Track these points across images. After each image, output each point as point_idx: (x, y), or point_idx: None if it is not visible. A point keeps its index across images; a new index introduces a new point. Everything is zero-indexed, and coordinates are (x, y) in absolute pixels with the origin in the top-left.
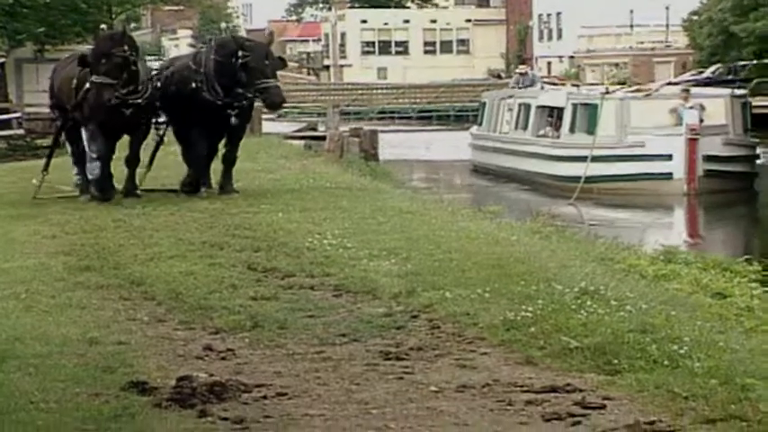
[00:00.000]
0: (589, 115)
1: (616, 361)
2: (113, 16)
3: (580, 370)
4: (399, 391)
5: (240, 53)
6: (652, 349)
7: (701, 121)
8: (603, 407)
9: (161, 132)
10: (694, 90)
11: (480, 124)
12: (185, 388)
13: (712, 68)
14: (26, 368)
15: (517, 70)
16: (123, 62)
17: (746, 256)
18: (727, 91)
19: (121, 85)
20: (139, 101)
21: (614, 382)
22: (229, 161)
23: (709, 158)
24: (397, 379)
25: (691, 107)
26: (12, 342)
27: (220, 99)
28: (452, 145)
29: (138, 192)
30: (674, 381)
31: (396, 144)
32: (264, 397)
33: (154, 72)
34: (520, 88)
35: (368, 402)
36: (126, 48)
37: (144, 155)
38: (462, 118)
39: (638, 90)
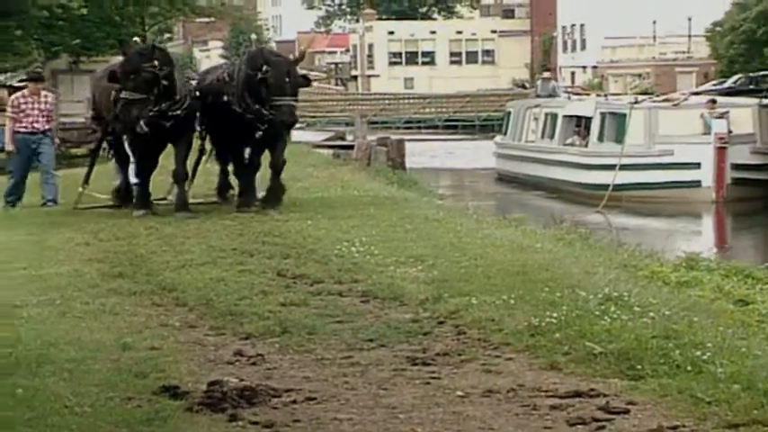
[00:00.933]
0: (618, 124)
1: (639, 366)
2: (146, 28)
3: (604, 375)
4: (426, 395)
5: (264, 68)
6: (675, 355)
7: (730, 131)
8: (627, 411)
9: (202, 142)
10: (721, 100)
11: (505, 133)
12: (216, 392)
13: (734, 78)
14: (61, 373)
15: (541, 77)
16: (153, 77)
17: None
18: (754, 101)
19: (154, 101)
20: (179, 112)
21: (638, 387)
22: (274, 169)
23: (737, 167)
24: (424, 384)
25: (719, 116)
26: (47, 347)
27: (250, 112)
28: (478, 154)
29: (191, 207)
30: (697, 386)
31: (422, 153)
32: (294, 401)
33: (192, 82)
34: (538, 95)
35: (395, 407)
36: (156, 62)
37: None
38: (487, 127)
39: (666, 99)
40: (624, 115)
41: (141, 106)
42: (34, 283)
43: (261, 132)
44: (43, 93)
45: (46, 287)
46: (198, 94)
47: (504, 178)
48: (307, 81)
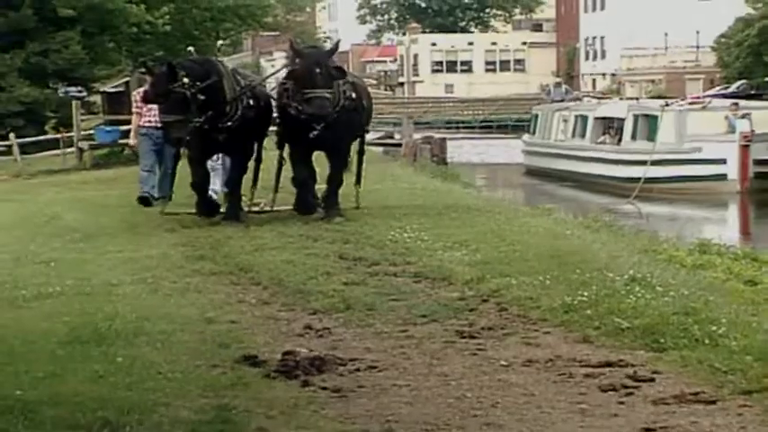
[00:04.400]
0: (650, 124)
1: (662, 340)
2: (220, 41)
3: (631, 347)
4: (474, 365)
5: (297, 60)
6: (694, 329)
7: (752, 130)
8: (653, 380)
9: (281, 150)
10: (743, 102)
11: (533, 133)
12: (290, 361)
13: (737, 84)
14: (154, 343)
15: (554, 82)
16: (182, 98)
17: None
18: None
19: (195, 116)
20: (229, 124)
21: (661, 358)
22: (332, 180)
23: (758, 162)
24: (472, 355)
25: (742, 117)
26: (141, 321)
27: (304, 112)
28: (509, 151)
29: (242, 217)
30: (714, 357)
31: (461, 149)
32: (357, 369)
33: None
34: (553, 100)
35: (447, 375)
36: (185, 80)
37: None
38: (519, 127)
39: (692, 103)
40: (656, 117)
41: (179, 126)
42: (128, 265)
43: (316, 132)
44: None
45: (139, 267)
46: (252, 101)
47: (532, 172)
48: (342, 73)
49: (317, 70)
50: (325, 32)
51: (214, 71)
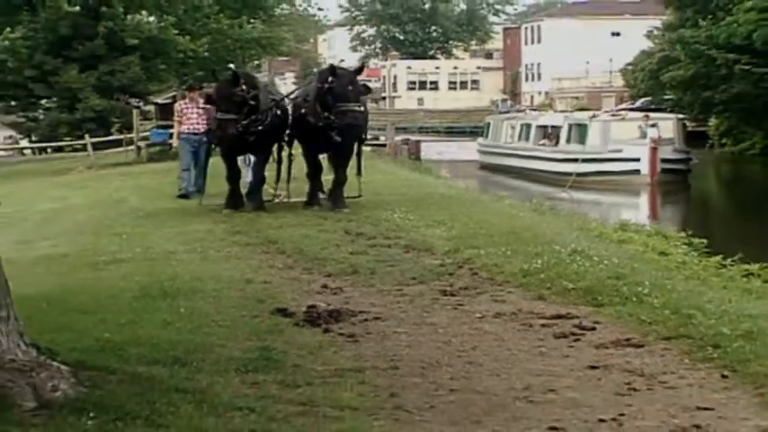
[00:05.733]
0: (581, 131)
1: (600, 297)
2: (245, 63)
3: (576, 304)
4: (455, 317)
5: (330, 78)
6: (624, 290)
7: (659, 136)
8: (594, 329)
9: (290, 151)
10: (652, 115)
11: (486, 137)
12: (313, 313)
13: (641, 101)
14: (207, 299)
15: (500, 98)
16: (242, 100)
17: (676, 226)
18: (673, 116)
19: (243, 117)
20: (261, 128)
21: (600, 312)
22: (337, 181)
23: (664, 160)
24: (453, 309)
25: (652, 126)
26: (196, 281)
27: (321, 121)
28: (466, 150)
29: (264, 205)
30: (641, 311)
31: (430, 149)
32: (366, 320)
33: (276, 99)
34: (500, 112)
35: (435, 324)
36: (243, 87)
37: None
38: (475, 132)
39: (613, 115)
40: (586, 125)
41: (233, 125)
42: (181, 237)
43: (338, 139)
44: (200, 99)
45: (190, 239)
46: (279, 111)
47: (485, 167)
48: (368, 89)
49: (350, 88)
50: (324, 58)
51: (257, 84)
